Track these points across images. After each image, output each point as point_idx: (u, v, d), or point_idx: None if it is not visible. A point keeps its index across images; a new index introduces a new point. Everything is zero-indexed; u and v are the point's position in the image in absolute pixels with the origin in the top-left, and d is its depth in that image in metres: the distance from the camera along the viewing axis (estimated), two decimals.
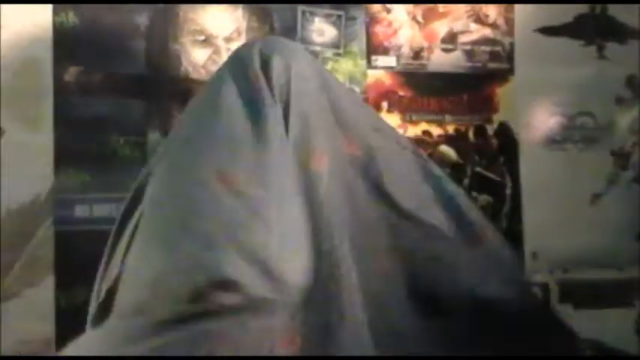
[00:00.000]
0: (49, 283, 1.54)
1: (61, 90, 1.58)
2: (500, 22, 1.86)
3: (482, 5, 1.85)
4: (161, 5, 1.64)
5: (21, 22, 1.56)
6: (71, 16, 1.59)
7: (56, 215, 1.56)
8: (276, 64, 1.10)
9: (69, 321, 1.52)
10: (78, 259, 1.55)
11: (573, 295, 1.84)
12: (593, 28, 1.88)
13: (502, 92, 1.85)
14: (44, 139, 1.56)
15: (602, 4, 1.89)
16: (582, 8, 1.88)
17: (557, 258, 1.83)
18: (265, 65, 1.10)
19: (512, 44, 1.86)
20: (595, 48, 1.88)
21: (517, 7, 1.86)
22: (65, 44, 1.59)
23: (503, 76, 1.86)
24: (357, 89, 1.76)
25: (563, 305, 1.83)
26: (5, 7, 1.55)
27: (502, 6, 1.86)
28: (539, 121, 1.86)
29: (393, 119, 1.78)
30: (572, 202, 1.84)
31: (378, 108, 1.78)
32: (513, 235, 1.83)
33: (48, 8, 1.58)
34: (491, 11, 1.86)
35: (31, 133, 1.56)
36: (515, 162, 1.85)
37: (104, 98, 1.60)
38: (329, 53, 1.75)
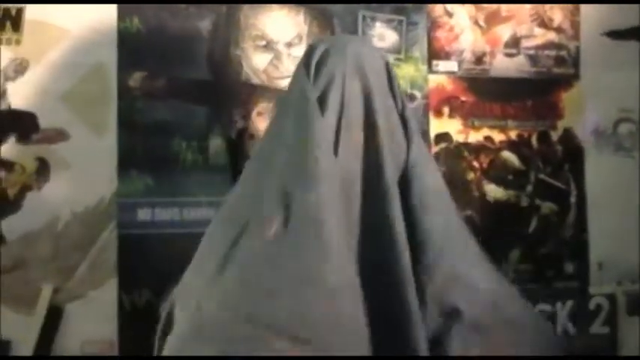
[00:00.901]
0: (112, 285, 1.56)
1: (125, 95, 1.60)
2: (566, 25, 1.82)
3: (547, 8, 1.81)
4: (223, 11, 1.65)
5: (86, 27, 1.59)
6: (135, 22, 1.61)
7: (119, 219, 1.58)
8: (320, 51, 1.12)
9: (132, 323, 1.54)
10: (141, 262, 1.57)
11: None
12: None
13: (567, 98, 1.81)
14: (108, 143, 1.58)
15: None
16: None
17: (625, 269, 1.78)
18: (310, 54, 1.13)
19: (577, 48, 1.82)
20: None
21: (583, 10, 1.81)
22: (129, 49, 1.61)
23: (568, 81, 1.82)
24: (419, 94, 1.74)
25: (631, 318, 1.78)
26: (71, 12, 1.57)
27: (567, 9, 1.82)
28: (606, 127, 1.81)
29: (454, 125, 1.76)
30: None
31: (440, 113, 1.75)
32: (578, 245, 1.79)
33: (113, 14, 1.60)
34: (556, 14, 1.82)
35: (95, 137, 1.58)
36: (581, 169, 1.81)
37: (167, 103, 1.61)
38: (390, 58, 1.73)
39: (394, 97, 1.13)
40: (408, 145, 1.09)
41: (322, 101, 1.08)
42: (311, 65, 1.11)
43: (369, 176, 1.06)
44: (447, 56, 1.78)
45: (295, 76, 1.16)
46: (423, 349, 0.97)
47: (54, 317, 1.52)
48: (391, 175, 1.06)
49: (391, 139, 1.09)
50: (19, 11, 1.55)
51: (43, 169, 1.55)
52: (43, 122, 1.56)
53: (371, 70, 1.11)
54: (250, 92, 1.66)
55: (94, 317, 1.54)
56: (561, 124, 1.81)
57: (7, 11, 1.54)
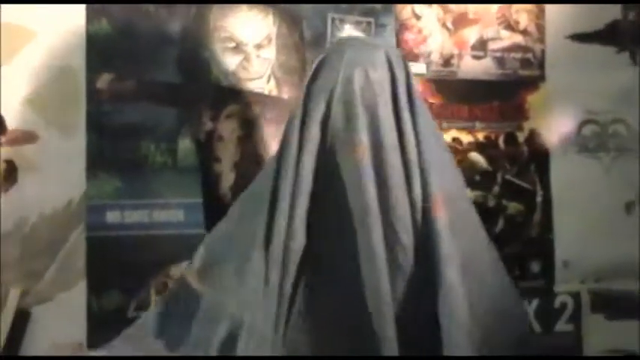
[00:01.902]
0: (81, 287, 1.55)
1: (93, 97, 1.59)
2: (531, 28, 1.84)
3: (513, 12, 1.83)
4: (192, 12, 1.65)
5: (54, 29, 1.58)
6: (104, 24, 1.61)
7: (88, 221, 1.57)
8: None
9: (101, 325, 1.54)
10: (110, 265, 1.56)
11: (606, 306, 1.81)
12: (626, 35, 1.86)
13: (533, 99, 1.84)
14: (77, 145, 1.58)
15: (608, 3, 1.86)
16: (615, 14, 1.85)
17: (589, 267, 1.81)
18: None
19: (543, 51, 1.84)
20: (628, 54, 1.86)
21: (548, 13, 1.84)
22: (98, 51, 1.60)
23: (534, 83, 1.84)
24: None
25: (595, 315, 1.81)
26: (40, 14, 1.57)
27: (533, 12, 1.84)
28: (571, 128, 1.84)
29: None
30: (605, 211, 1.82)
31: None
32: (544, 244, 1.82)
33: (81, 16, 1.59)
34: (522, 18, 1.84)
35: (64, 139, 1.58)
36: (547, 170, 1.83)
37: (136, 105, 1.61)
38: None
39: (396, 108, 1.11)
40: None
41: (307, 114, 1.10)
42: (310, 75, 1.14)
43: (350, 194, 1.07)
44: (415, 58, 1.79)
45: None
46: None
47: (21, 320, 1.51)
48: (372, 195, 1.06)
49: (377, 157, 1.08)
50: None
51: (10, 171, 1.55)
52: (11, 124, 1.55)
53: (365, 83, 1.10)
54: (219, 94, 1.66)
55: (63, 320, 1.54)
56: (527, 126, 1.83)
57: None
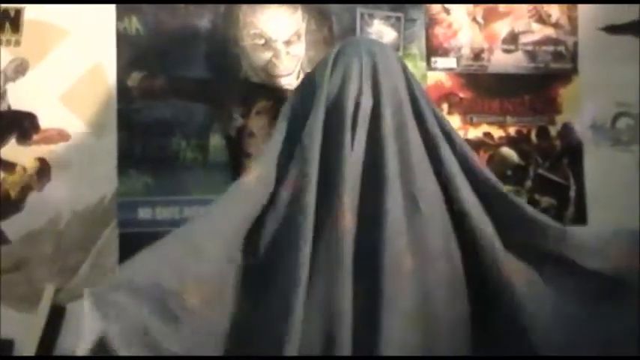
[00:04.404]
0: None
1: (124, 94, 1.61)
2: (563, 21, 1.82)
3: (545, 5, 1.81)
4: (222, 10, 1.66)
5: (85, 28, 1.59)
6: (134, 22, 1.62)
7: (120, 218, 1.58)
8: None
9: None
10: None
11: None
12: None
13: (565, 93, 1.81)
14: (108, 142, 1.59)
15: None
16: None
17: None
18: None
19: (575, 44, 1.82)
20: None
21: (580, 5, 1.82)
22: (128, 49, 1.61)
23: (566, 76, 1.82)
24: None
25: None
26: (70, 13, 1.58)
27: (565, 5, 1.82)
28: (604, 121, 1.82)
29: (453, 121, 1.75)
30: None
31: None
32: None
33: (111, 14, 1.60)
34: (554, 11, 1.82)
35: (95, 137, 1.59)
36: (580, 164, 1.81)
37: (166, 102, 1.62)
38: None
39: (413, 100, 1.19)
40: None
41: (338, 99, 1.14)
42: (327, 64, 1.17)
43: (371, 167, 1.12)
44: (445, 53, 1.78)
45: (309, 77, 1.23)
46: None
47: (56, 316, 1.52)
48: (392, 169, 1.11)
49: (399, 136, 1.14)
50: (18, 12, 1.56)
51: (43, 169, 1.56)
52: (43, 123, 1.56)
53: (384, 69, 1.18)
54: (250, 90, 1.67)
55: None
56: (560, 119, 1.81)
57: (6, 12, 1.55)
